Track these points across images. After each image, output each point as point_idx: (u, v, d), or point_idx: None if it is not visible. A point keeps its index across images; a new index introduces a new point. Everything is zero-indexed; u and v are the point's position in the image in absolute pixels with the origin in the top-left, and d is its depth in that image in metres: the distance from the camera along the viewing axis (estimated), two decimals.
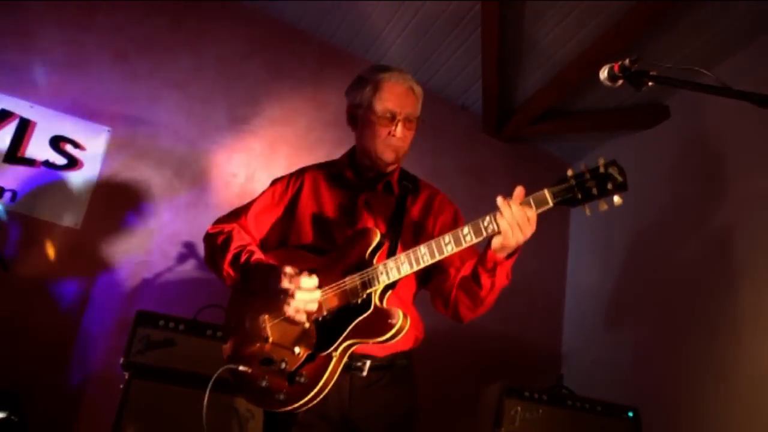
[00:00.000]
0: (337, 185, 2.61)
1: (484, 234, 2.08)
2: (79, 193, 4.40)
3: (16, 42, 4.46)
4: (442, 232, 2.43)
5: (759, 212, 4.17)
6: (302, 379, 2.20)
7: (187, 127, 4.84)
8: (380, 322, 2.18)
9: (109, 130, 4.57)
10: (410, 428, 2.45)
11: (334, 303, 2.27)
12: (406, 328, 2.16)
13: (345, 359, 2.22)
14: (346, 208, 2.54)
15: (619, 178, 1.89)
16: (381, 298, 2.23)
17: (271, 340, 2.31)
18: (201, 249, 4.47)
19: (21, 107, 4.37)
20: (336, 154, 5.05)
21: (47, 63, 4.52)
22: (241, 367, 2.32)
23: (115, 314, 4.23)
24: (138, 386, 3.43)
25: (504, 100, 5.41)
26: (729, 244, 4.31)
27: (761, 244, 4.09)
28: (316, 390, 2.17)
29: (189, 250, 4.56)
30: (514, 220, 2.03)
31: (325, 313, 2.26)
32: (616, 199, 1.90)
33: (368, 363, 2.30)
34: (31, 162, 4.34)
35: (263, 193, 2.68)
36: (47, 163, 4.37)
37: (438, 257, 2.15)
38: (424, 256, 2.16)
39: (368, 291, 2.22)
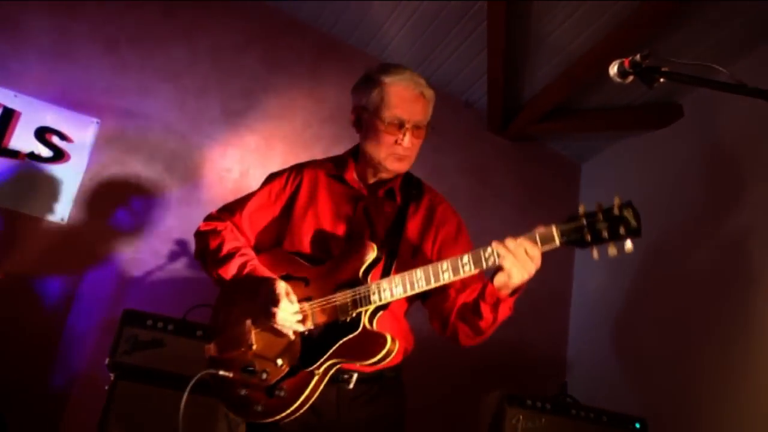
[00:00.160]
0: (336, 188, 2.59)
1: (484, 266, 2.08)
2: (65, 187, 4.40)
3: (1, 29, 4.47)
4: (442, 247, 2.48)
5: None
6: (282, 393, 2.22)
7: (179, 121, 4.85)
8: (367, 344, 2.19)
9: (97, 122, 4.58)
10: None
11: (322, 318, 2.28)
12: (394, 352, 2.17)
13: (327, 378, 2.23)
14: (343, 215, 2.52)
15: (633, 223, 1.88)
16: (371, 319, 2.24)
17: (254, 347, 2.33)
18: (192, 246, 4.52)
19: (5, 96, 4.37)
20: (333, 151, 5.07)
21: (34, 51, 4.52)
22: (221, 372, 2.34)
23: (102, 313, 4.24)
24: (124, 388, 3.43)
25: (510, 96, 5.42)
26: (743, 250, 4.31)
27: None
28: (294, 406, 2.20)
29: (180, 247, 4.56)
30: (517, 260, 2.03)
31: (311, 327, 2.28)
32: (628, 245, 1.89)
33: (355, 376, 2.30)
34: (14, 154, 4.34)
35: (260, 190, 2.66)
36: (32, 156, 4.37)
37: (434, 284, 2.16)
38: (420, 281, 2.16)
39: (358, 310, 2.22)
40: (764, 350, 3.99)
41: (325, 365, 2.21)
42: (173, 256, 4.54)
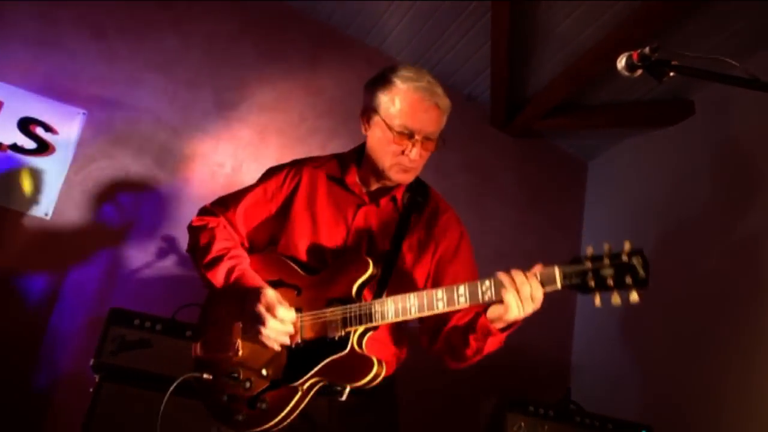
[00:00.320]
0: (336, 192, 2.58)
1: (480, 300, 2.08)
2: (49, 181, 4.40)
3: None
4: (440, 262, 2.50)
5: None
6: (263, 406, 2.25)
7: (169, 112, 4.84)
8: (353, 367, 2.20)
9: (84, 113, 4.57)
10: None
11: (310, 333, 2.29)
12: (381, 376, 2.18)
13: (310, 396, 2.25)
14: (342, 222, 2.52)
15: (642, 273, 1.87)
16: (360, 340, 2.24)
17: (240, 354, 2.35)
18: (182, 244, 4.54)
19: None
20: (330, 145, 5.14)
21: (17, 38, 4.51)
22: (204, 375, 2.38)
23: (87, 312, 4.23)
24: (109, 390, 3.42)
25: (514, 91, 5.42)
26: (756, 254, 4.30)
27: None
28: (275, 421, 2.22)
29: (169, 244, 4.56)
30: (519, 297, 2.02)
31: (299, 340, 2.29)
32: (633, 296, 1.88)
33: (348, 388, 2.29)
34: None
35: (257, 186, 2.65)
36: (15, 147, 4.36)
37: (427, 313, 2.16)
38: (413, 307, 2.17)
39: (347, 330, 2.23)
40: None
41: (309, 382, 2.24)
42: (162, 254, 4.54)
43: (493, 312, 2.14)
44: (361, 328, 2.23)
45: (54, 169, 4.42)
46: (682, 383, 4.49)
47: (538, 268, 2.04)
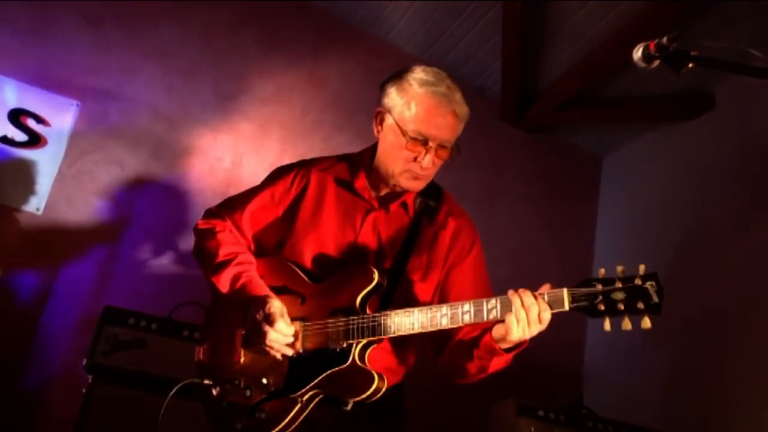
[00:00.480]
0: (344, 197, 2.58)
1: (485, 319, 2.10)
2: (41, 175, 4.40)
3: None
4: (450, 273, 2.51)
5: None
6: (262, 415, 2.28)
7: (167, 104, 4.84)
8: (354, 380, 2.22)
9: (77, 105, 4.57)
10: None
11: (313, 343, 2.31)
12: (383, 390, 2.21)
13: (310, 408, 2.27)
14: (350, 229, 2.53)
15: (655, 299, 1.87)
16: (362, 352, 2.26)
17: (242, 361, 2.40)
18: (179, 240, 4.56)
19: None
20: (334, 138, 5.14)
21: (7, 26, 4.50)
22: (205, 381, 2.44)
23: (80, 311, 4.23)
24: (103, 391, 3.43)
25: (526, 83, 5.42)
26: None
27: None
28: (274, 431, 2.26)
29: (166, 241, 4.56)
30: (527, 318, 2.03)
31: (301, 350, 2.31)
32: (645, 322, 1.87)
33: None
34: None
35: (263, 189, 2.67)
36: (5, 140, 4.35)
37: (430, 329, 2.18)
38: (416, 322, 2.19)
39: (349, 342, 2.25)
40: None
41: (308, 394, 2.26)
42: (158, 251, 4.54)
43: (497, 332, 2.16)
44: (363, 341, 2.25)
45: (46, 163, 4.43)
46: (700, 388, 4.48)
47: (546, 288, 2.06)
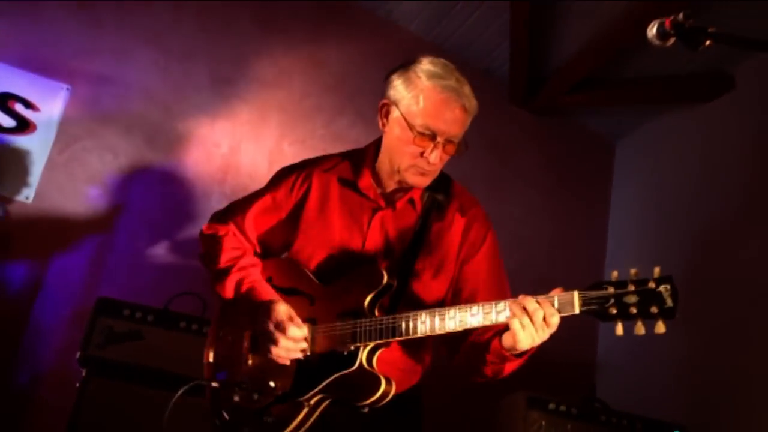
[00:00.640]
0: (349, 197, 2.61)
1: (494, 322, 2.11)
2: (30, 162, 4.41)
3: None
4: (463, 266, 2.53)
5: None
6: (269, 420, 2.33)
7: (161, 88, 4.85)
8: (361, 384, 2.25)
9: (67, 89, 4.58)
10: None
11: (321, 346, 2.36)
12: (390, 394, 2.24)
13: (318, 412, 2.32)
14: (356, 229, 2.55)
15: (669, 303, 1.88)
16: (370, 356, 2.29)
17: (250, 363, 2.45)
18: (175, 229, 4.57)
19: None
20: (335, 122, 5.15)
21: None
22: (213, 384, 2.50)
23: (72, 303, 4.26)
24: (97, 385, 3.46)
25: (535, 64, 5.41)
26: None
27: None
28: None
29: (161, 230, 4.58)
30: (533, 324, 2.05)
31: (309, 353, 2.36)
32: (659, 326, 1.89)
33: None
34: None
35: (264, 194, 2.71)
36: None
37: (438, 332, 2.20)
38: (424, 324, 2.21)
39: (357, 344, 2.28)
40: None
41: (316, 398, 2.31)
42: (153, 240, 4.56)
43: (507, 340, 2.17)
44: (370, 345, 2.28)
45: (35, 150, 4.43)
46: (718, 380, 4.47)
47: (556, 292, 2.06)
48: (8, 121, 4.40)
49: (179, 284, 3.79)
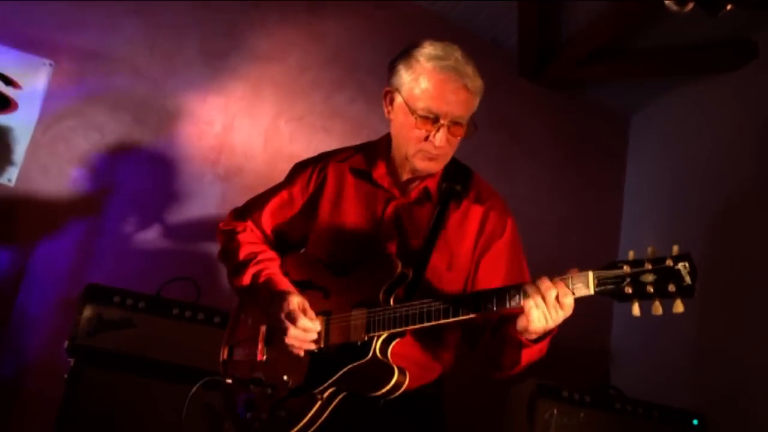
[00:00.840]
0: (363, 188, 2.66)
1: (507, 306, 2.13)
2: (12, 142, 4.41)
3: None
4: (481, 260, 2.54)
5: None
6: (282, 413, 2.38)
7: (150, 63, 4.85)
8: (374, 374, 2.28)
9: (51, 64, 4.58)
10: None
11: (336, 337, 2.40)
12: (404, 385, 2.27)
13: (332, 406, 2.35)
14: (371, 221, 2.60)
15: (687, 280, 1.86)
16: (384, 346, 2.32)
17: (264, 358, 2.51)
18: (166, 211, 4.58)
19: None
20: (335, 97, 5.14)
21: None
22: (227, 380, 2.58)
23: (59, 291, 4.27)
24: (87, 375, 3.47)
25: (546, 35, 5.39)
26: None
27: None
28: (293, 431, 2.35)
29: (152, 213, 4.59)
30: (546, 304, 2.06)
31: (322, 345, 2.39)
32: (677, 305, 1.89)
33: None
34: None
35: (281, 189, 2.79)
36: None
37: (453, 319, 2.21)
38: (437, 313, 2.22)
39: (371, 335, 2.31)
40: None
41: (329, 391, 2.34)
42: (143, 224, 4.57)
43: (521, 323, 2.17)
44: (384, 334, 2.30)
45: (18, 129, 4.44)
46: (738, 366, 4.47)
47: (571, 272, 2.07)
48: None
49: (172, 269, 3.81)
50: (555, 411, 3.98)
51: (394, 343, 2.32)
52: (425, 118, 2.43)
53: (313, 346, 2.38)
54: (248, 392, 2.47)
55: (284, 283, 2.53)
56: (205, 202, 4.73)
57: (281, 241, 2.78)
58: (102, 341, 3.52)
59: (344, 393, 2.35)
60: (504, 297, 2.13)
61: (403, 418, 2.45)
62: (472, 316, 2.18)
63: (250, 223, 2.76)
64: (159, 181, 4.63)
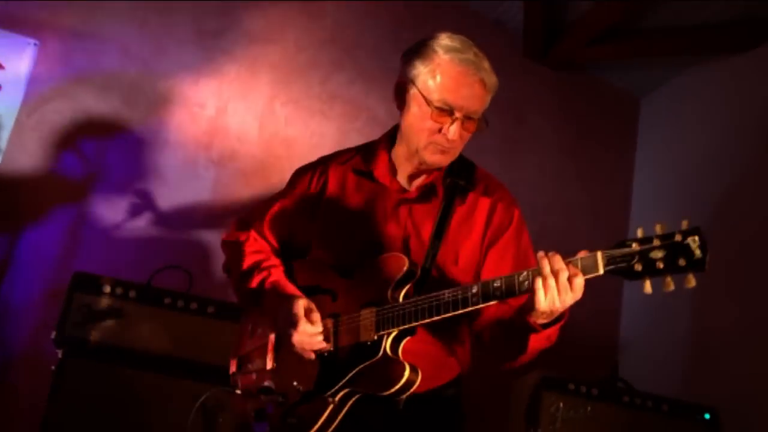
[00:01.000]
0: (365, 187, 2.69)
1: (516, 291, 2.13)
2: None
3: None
4: (488, 251, 2.58)
5: None
6: (293, 421, 2.41)
7: (140, 43, 4.84)
8: (385, 373, 2.30)
9: (35, 44, 4.56)
10: None
11: (346, 339, 2.44)
12: (416, 383, 2.27)
13: (345, 410, 2.37)
14: (375, 219, 2.63)
15: (698, 253, 1.86)
16: (395, 344, 2.34)
17: (275, 365, 2.55)
18: (157, 198, 4.58)
19: None
20: (333, 79, 5.14)
21: None
22: (237, 391, 2.66)
23: (45, 280, 4.28)
24: (74, 367, 3.47)
25: (553, 14, 5.40)
26: None
27: None
28: None
29: (142, 199, 4.59)
30: (557, 284, 2.06)
31: (332, 348, 2.44)
32: (689, 280, 1.88)
33: (403, 396, 2.38)
34: None
35: (283, 196, 2.85)
36: None
37: (462, 310, 2.22)
38: (446, 305, 2.23)
39: (381, 333, 2.33)
40: None
41: (341, 393, 2.37)
42: (134, 210, 4.58)
43: (529, 304, 2.18)
44: (394, 331, 2.33)
45: (1, 112, 4.43)
46: (751, 359, 4.49)
47: (581, 254, 2.07)
48: None
49: (163, 258, 3.81)
50: (561, 404, 3.99)
51: (405, 340, 2.35)
52: (441, 109, 2.46)
53: (323, 345, 2.41)
54: (259, 402, 2.49)
55: (290, 288, 2.57)
56: (198, 187, 4.74)
57: (286, 248, 2.81)
58: (91, 332, 3.53)
59: (357, 396, 2.37)
60: (513, 282, 2.13)
61: (422, 421, 2.48)
62: (481, 305, 2.19)
63: (253, 233, 2.81)
64: (150, 166, 4.63)
